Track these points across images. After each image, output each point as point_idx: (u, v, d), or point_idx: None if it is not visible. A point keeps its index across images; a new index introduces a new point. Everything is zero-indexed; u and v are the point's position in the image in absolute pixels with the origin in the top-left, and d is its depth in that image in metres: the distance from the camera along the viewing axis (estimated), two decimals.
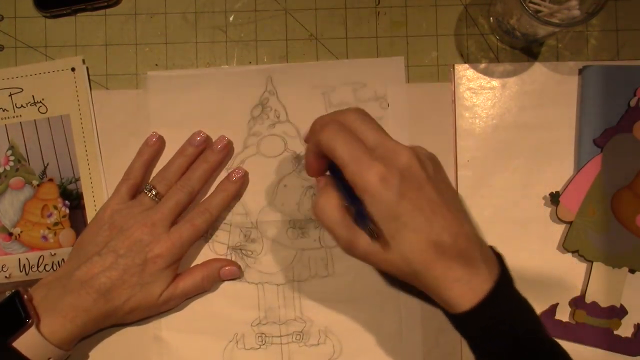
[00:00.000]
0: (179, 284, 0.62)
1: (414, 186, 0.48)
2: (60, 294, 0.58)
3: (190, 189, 0.63)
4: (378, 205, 0.48)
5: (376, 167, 0.47)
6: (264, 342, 0.65)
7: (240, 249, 0.65)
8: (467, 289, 0.48)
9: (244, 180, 0.65)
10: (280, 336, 0.65)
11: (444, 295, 0.49)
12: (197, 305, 0.65)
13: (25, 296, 0.58)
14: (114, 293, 0.59)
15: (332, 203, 0.51)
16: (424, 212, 0.48)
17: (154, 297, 0.61)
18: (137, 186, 0.64)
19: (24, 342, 0.55)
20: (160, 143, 0.65)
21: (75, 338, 0.59)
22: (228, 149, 0.65)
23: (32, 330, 0.55)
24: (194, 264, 0.65)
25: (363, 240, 0.50)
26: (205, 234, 0.65)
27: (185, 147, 0.64)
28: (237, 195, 0.65)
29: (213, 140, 0.65)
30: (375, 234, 0.48)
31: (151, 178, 0.65)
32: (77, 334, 0.59)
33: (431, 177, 0.49)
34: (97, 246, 0.60)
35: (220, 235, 0.66)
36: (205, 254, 0.65)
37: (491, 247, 0.54)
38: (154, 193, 0.63)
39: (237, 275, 0.65)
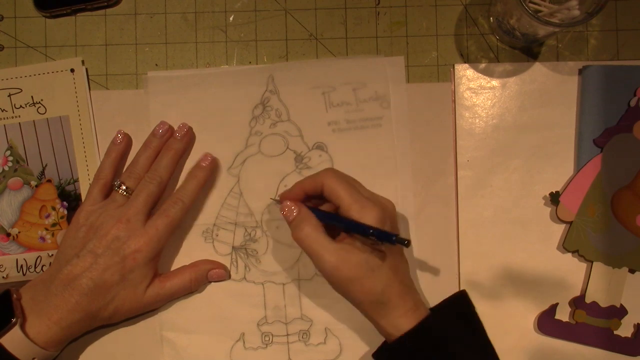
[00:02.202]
0: (166, 283, 0.62)
1: (396, 230, 0.58)
2: (45, 296, 0.59)
3: (159, 179, 0.62)
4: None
5: (376, 211, 0.55)
6: (270, 341, 0.65)
7: (244, 249, 0.65)
8: (412, 319, 0.56)
9: (213, 166, 0.65)
10: (287, 335, 0.65)
11: (395, 322, 0.56)
12: (202, 306, 0.65)
13: (15, 295, 0.58)
14: (97, 293, 0.59)
15: (319, 230, 0.57)
16: (400, 254, 0.58)
17: (138, 295, 0.61)
18: (109, 186, 0.64)
19: (9, 340, 0.55)
20: (127, 140, 0.65)
21: (61, 340, 0.59)
22: (190, 135, 0.65)
23: (16, 329, 0.56)
24: None
25: (355, 260, 0.56)
26: (209, 233, 0.65)
27: (149, 140, 0.64)
28: (207, 181, 0.65)
29: (212, 141, 0.65)
30: (406, 241, 0.53)
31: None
32: (63, 336, 0.59)
33: None
34: (76, 248, 0.60)
35: (224, 235, 0.65)
36: (209, 253, 0.65)
37: (462, 291, 0.61)
38: (124, 188, 0.62)
39: (225, 277, 0.65)
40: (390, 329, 0.56)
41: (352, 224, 0.55)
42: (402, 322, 0.55)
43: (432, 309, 0.57)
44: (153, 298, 0.62)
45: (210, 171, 0.65)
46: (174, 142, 0.64)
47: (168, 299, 0.64)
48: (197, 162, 0.65)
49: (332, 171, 0.58)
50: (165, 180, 0.63)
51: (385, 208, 0.57)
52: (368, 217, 0.55)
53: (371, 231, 0.54)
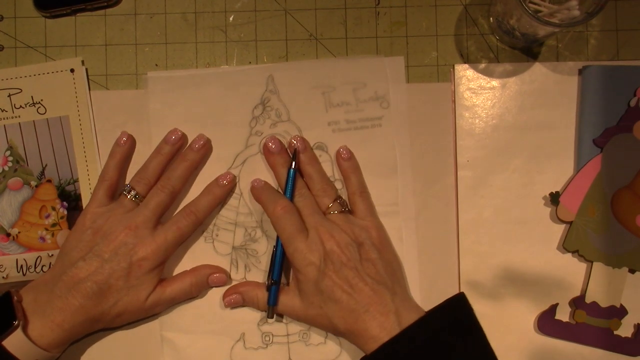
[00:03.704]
0: (166, 289, 0.62)
1: (335, 267, 0.59)
2: (49, 298, 0.58)
3: (171, 189, 0.62)
4: (306, 282, 0.59)
5: (305, 253, 0.59)
6: (270, 341, 0.65)
7: (244, 249, 0.65)
8: (378, 344, 0.57)
9: (231, 186, 0.65)
10: (287, 335, 0.65)
11: (362, 347, 0.58)
12: (203, 306, 0.65)
13: (15, 297, 0.58)
14: (101, 297, 0.59)
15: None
16: (342, 288, 0.58)
17: (140, 301, 0.61)
18: (114, 187, 0.64)
19: (11, 343, 0.55)
20: (131, 142, 0.65)
21: (63, 341, 0.59)
22: (207, 147, 0.65)
23: (19, 331, 0.55)
24: (196, 264, 0.65)
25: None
26: (209, 234, 0.66)
27: (161, 146, 0.64)
28: (223, 200, 0.65)
29: (212, 141, 0.66)
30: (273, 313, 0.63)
31: (130, 179, 0.64)
32: (65, 338, 0.59)
33: (352, 259, 0.59)
34: (82, 251, 0.60)
35: (224, 235, 0.65)
36: (209, 253, 0.65)
37: (460, 294, 0.61)
38: (133, 194, 0.62)
39: (226, 282, 0.65)
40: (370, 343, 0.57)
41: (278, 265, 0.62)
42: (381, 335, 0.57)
43: (427, 313, 0.58)
44: (154, 303, 0.62)
45: (228, 190, 0.65)
46: (191, 153, 0.64)
47: (169, 304, 0.64)
48: (216, 178, 0.65)
49: (287, 207, 0.61)
50: (178, 191, 0.63)
51: (318, 245, 0.60)
52: (297, 261, 0.60)
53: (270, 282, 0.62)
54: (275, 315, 0.63)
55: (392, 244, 0.65)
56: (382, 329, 0.57)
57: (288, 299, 0.62)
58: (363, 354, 0.59)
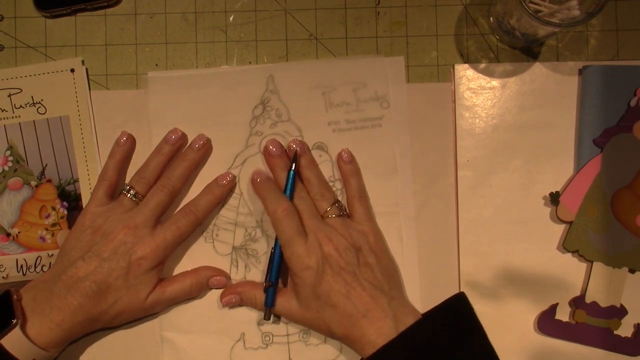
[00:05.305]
0: (166, 289, 0.62)
1: (332, 272, 0.59)
2: (47, 297, 0.58)
3: (171, 188, 0.62)
4: (303, 286, 0.59)
5: (302, 257, 0.59)
6: (270, 341, 0.65)
7: (245, 249, 0.65)
8: (375, 349, 0.56)
9: (231, 186, 0.65)
10: (287, 335, 0.65)
11: (359, 353, 0.58)
12: (203, 306, 0.65)
13: (15, 296, 0.58)
14: (100, 297, 0.59)
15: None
16: (340, 292, 0.58)
17: (139, 300, 0.61)
18: (114, 187, 0.64)
19: (10, 341, 0.55)
20: (131, 142, 0.65)
21: (62, 341, 0.59)
22: (207, 147, 0.65)
23: (17, 330, 0.55)
24: (196, 265, 0.65)
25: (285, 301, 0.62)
26: (209, 233, 0.66)
27: (161, 146, 0.64)
28: (223, 199, 0.65)
29: (212, 141, 0.66)
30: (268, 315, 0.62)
31: (129, 178, 0.64)
32: (64, 337, 0.59)
33: (350, 263, 0.59)
34: (81, 251, 0.60)
35: (224, 235, 0.65)
36: (209, 253, 0.65)
37: (459, 294, 0.61)
38: (133, 193, 0.62)
39: (226, 285, 0.65)
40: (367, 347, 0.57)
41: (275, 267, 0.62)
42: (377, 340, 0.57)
43: (424, 315, 0.58)
44: (154, 303, 0.62)
45: (227, 190, 0.65)
46: (191, 152, 0.64)
47: (168, 304, 0.64)
48: (216, 178, 0.65)
49: (288, 209, 0.61)
50: (178, 190, 0.63)
51: (316, 249, 0.59)
52: (293, 264, 0.60)
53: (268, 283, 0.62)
54: (272, 317, 0.63)
55: (389, 248, 0.65)
56: (380, 334, 0.56)
57: (285, 301, 0.62)
58: None
